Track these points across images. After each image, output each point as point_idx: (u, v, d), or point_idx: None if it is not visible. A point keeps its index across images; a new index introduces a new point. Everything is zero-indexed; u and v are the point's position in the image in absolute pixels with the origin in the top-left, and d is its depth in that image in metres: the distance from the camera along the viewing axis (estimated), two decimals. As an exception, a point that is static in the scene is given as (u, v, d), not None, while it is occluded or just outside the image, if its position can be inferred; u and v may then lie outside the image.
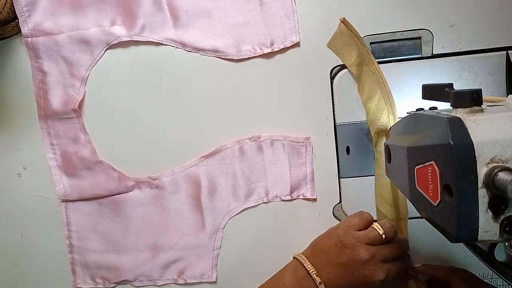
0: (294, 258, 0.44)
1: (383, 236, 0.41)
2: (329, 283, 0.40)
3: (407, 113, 0.40)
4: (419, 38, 0.47)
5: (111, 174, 0.50)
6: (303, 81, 0.48)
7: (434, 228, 0.32)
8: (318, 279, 0.41)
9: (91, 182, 0.50)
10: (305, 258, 0.42)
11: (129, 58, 0.50)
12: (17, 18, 0.49)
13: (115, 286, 0.51)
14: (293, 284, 0.42)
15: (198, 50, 0.49)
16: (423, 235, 0.48)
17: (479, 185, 0.26)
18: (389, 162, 0.40)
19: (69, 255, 0.51)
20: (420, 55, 0.47)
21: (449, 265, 0.46)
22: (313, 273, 0.41)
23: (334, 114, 0.49)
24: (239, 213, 0.50)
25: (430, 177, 0.29)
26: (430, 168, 0.29)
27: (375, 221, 0.43)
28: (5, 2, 0.47)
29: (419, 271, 0.46)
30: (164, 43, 0.49)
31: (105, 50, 0.49)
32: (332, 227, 0.44)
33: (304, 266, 0.42)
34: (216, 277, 0.51)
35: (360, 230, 0.42)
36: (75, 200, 0.51)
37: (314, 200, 0.49)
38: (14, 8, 0.48)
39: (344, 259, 0.40)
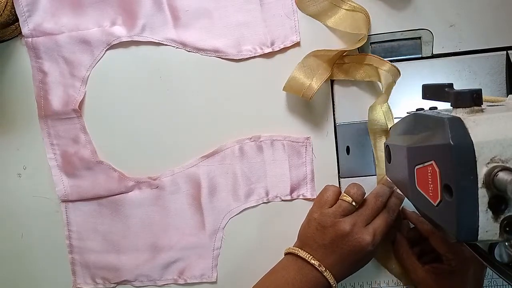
0: (286, 253, 0.45)
1: (353, 203, 0.42)
2: (325, 264, 0.41)
3: (407, 113, 0.40)
4: (419, 38, 0.47)
5: (111, 174, 0.50)
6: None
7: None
8: (316, 263, 0.41)
9: (91, 182, 0.50)
10: (297, 249, 0.43)
11: (129, 59, 0.50)
12: (17, 21, 0.49)
13: (115, 286, 0.51)
14: (293, 275, 0.42)
15: (198, 50, 0.49)
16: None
17: (479, 185, 0.26)
18: (389, 162, 0.40)
19: (69, 255, 0.51)
20: (420, 55, 0.47)
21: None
22: (310, 258, 0.42)
23: (334, 114, 0.49)
24: (239, 213, 0.50)
25: (430, 177, 0.29)
26: (430, 168, 0.29)
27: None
28: (5, 5, 0.47)
29: (408, 216, 0.46)
30: (164, 43, 0.49)
31: (106, 50, 0.49)
32: (308, 212, 0.45)
33: (300, 256, 0.42)
34: (216, 277, 0.50)
35: (332, 205, 0.43)
36: (75, 200, 0.51)
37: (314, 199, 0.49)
38: (14, 11, 0.48)
39: (329, 238, 0.41)
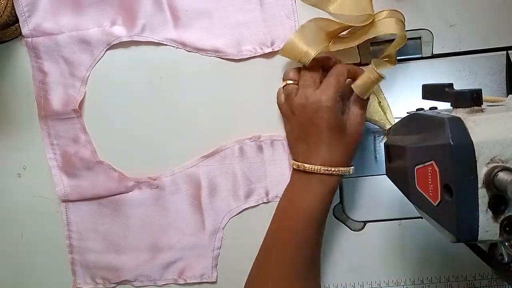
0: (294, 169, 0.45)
1: (292, 81, 0.45)
2: (321, 162, 0.42)
3: (407, 113, 0.40)
4: (419, 38, 0.47)
5: (111, 174, 0.50)
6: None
7: (434, 228, 0.32)
8: (317, 167, 0.42)
9: (91, 182, 0.50)
10: (294, 163, 0.44)
11: (129, 59, 0.50)
12: (17, 22, 0.49)
13: (115, 286, 0.51)
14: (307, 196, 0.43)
15: (198, 50, 0.49)
16: (423, 235, 0.48)
17: (479, 185, 0.26)
18: (389, 162, 0.40)
19: (69, 255, 0.51)
20: (420, 55, 0.47)
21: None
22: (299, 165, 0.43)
23: (334, 114, 0.49)
24: (239, 213, 0.50)
25: (430, 177, 0.29)
26: (430, 168, 0.29)
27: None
28: (5, 6, 0.47)
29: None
30: (164, 43, 0.49)
31: (106, 50, 0.49)
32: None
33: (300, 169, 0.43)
34: (216, 277, 0.51)
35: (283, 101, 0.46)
36: (75, 200, 0.51)
37: (314, 200, 0.49)
38: (14, 12, 0.48)
39: (300, 124, 0.43)
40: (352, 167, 0.43)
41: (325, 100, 0.41)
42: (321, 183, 0.42)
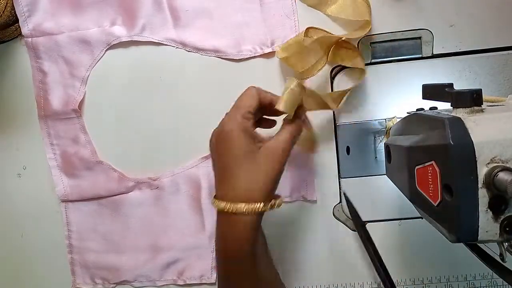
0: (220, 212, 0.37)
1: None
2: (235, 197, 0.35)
3: (407, 113, 0.40)
4: (419, 38, 0.47)
5: (111, 175, 0.50)
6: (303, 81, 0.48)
7: (434, 228, 0.32)
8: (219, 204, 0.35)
9: (91, 183, 0.50)
10: (216, 202, 0.36)
11: (129, 58, 0.50)
12: (17, 22, 0.49)
13: (115, 286, 0.51)
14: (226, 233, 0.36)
15: (198, 50, 0.49)
16: (423, 235, 0.48)
17: (479, 185, 0.26)
18: (389, 162, 0.40)
19: (69, 255, 0.51)
20: (420, 55, 0.47)
21: None
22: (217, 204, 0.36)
23: (334, 114, 0.49)
24: (239, 213, 0.50)
25: (430, 177, 0.29)
26: (430, 168, 0.29)
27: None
28: (5, 6, 0.47)
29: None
30: (164, 43, 0.49)
31: (105, 50, 0.49)
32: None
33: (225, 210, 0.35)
34: (216, 278, 0.50)
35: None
36: (75, 200, 0.51)
37: (314, 201, 0.49)
38: (14, 12, 0.48)
39: (212, 157, 0.38)
40: (274, 201, 0.36)
41: (226, 124, 0.36)
42: (231, 222, 0.35)
